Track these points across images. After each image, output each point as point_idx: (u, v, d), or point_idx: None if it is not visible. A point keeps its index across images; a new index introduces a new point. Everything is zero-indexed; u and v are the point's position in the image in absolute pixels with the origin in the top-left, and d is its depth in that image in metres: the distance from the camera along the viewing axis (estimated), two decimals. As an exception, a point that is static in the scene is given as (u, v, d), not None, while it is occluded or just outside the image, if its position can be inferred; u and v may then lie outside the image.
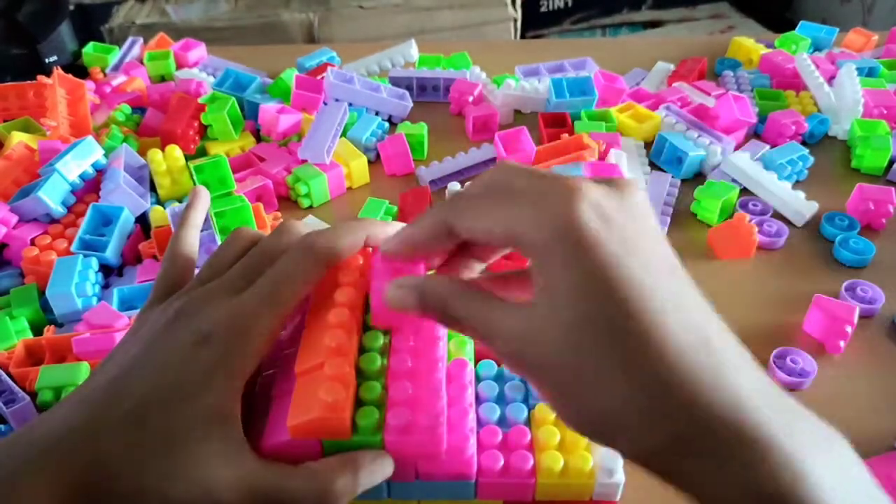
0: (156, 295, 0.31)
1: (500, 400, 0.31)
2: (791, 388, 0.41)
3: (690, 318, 0.22)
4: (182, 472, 0.24)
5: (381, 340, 0.29)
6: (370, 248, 0.30)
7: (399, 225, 0.28)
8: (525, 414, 0.31)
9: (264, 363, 0.30)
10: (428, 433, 0.26)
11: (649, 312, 0.21)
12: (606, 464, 0.29)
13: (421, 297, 0.25)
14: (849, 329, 0.43)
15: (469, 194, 0.25)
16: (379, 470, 0.26)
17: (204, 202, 0.36)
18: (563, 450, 0.29)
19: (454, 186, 0.54)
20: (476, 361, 0.33)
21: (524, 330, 0.22)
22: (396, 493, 0.29)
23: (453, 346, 0.31)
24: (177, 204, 0.51)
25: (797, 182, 0.58)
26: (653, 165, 0.59)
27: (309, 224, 0.55)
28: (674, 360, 0.21)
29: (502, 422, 0.30)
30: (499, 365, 0.33)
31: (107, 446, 0.24)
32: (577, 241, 0.21)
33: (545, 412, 0.30)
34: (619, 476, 0.29)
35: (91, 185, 0.55)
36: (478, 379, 0.32)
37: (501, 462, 0.28)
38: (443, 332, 0.29)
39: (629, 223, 0.23)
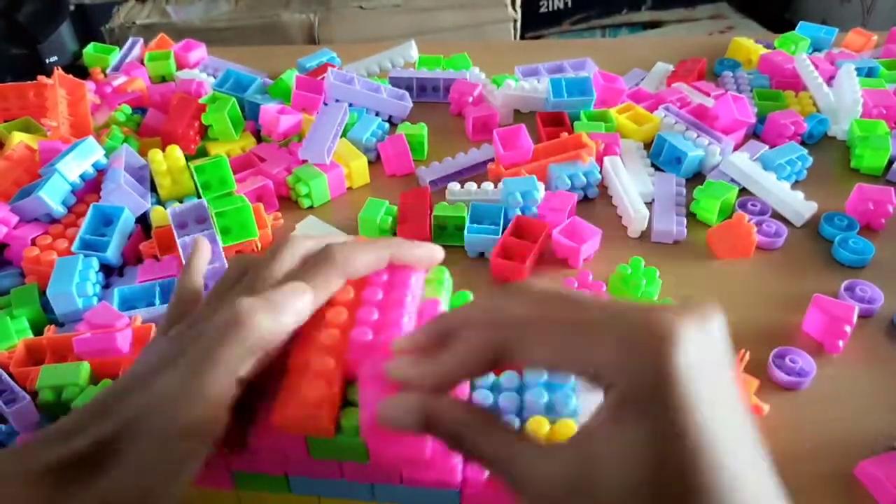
0: (162, 330, 0.31)
1: (493, 404, 0.30)
2: (790, 388, 0.41)
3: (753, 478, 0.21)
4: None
5: None
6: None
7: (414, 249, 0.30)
8: (516, 426, 0.29)
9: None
10: (412, 439, 0.25)
11: (716, 490, 0.19)
12: None
13: (426, 421, 0.23)
14: (848, 329, 0.43)
15: (532, 320, 0.22)
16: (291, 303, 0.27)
17: (205, 252, 0.35)
18: None
19: (454, 186, 0.55)
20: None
21: (571, 478, 0.20)
22: (381, 496, 0.29)
23: None
24: (177, 204, 0.51)
25: (796, 182, 0.59)
26: (652, 165, 0.60)
27: (309, 224, 0.55)
28: None
29: None
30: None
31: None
32: (667, 394, 0.20)
33: (538, 425, 0.29)
34: None
35: (91, 186, 0.55)
36: (472, 387, 0.31)
37: (485, 474, 0.28)
38: None
39: (717, 372, 0.21)
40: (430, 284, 0.33)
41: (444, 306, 0.32)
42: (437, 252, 0.32)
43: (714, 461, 0.20)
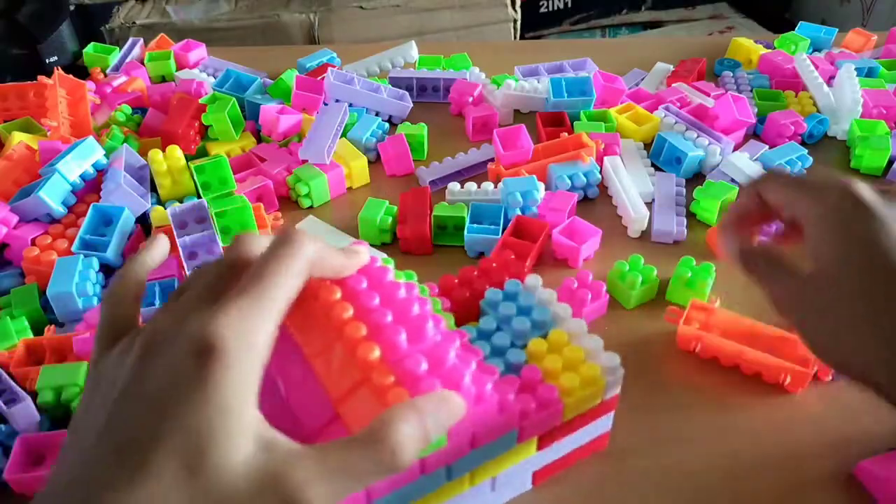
0: (101, 346, 0.26)
1: (496, 353, 0.33)
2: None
3: None
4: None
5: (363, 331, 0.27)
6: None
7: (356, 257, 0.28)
8: (524, 356, 0.32)
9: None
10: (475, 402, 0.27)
11: None
12: (607, 363, 0.32)
13: (743, 252, 0.35)
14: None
15: (778, 177, 0.34)
16: (446, 409, 0.25)
17: (160, 249, 0.31)
18: (570, 369, 0.32)
19: (454, 186, 0.55)
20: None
21: (797, 288, 0.31)
22: (456, 472, 0.30)
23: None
24: (177, 204, 0.51)
25: (796, 182, 0.59)
26: (652, 165, 0.60)
27: (309, 224, 0.55)
28: None
29: (510, 370, 0.32)
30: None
31: None
32: (853, 232, 0.29)
33: (538, 346, 0.32)
34: (620, 369, 0.32)
35: (92, 186, 0.55)
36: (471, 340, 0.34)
37: (534, 402, 0.30)
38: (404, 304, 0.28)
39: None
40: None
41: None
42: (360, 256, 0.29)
43: None
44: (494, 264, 0.39)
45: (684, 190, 0.56)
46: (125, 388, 0.23)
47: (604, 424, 0.35)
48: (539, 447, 0.33)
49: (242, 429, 0.22)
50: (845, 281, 0.29)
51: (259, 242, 0.27)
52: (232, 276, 0.26)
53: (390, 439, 0.23)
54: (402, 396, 0.25)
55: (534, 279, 0.36)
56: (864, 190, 0.30)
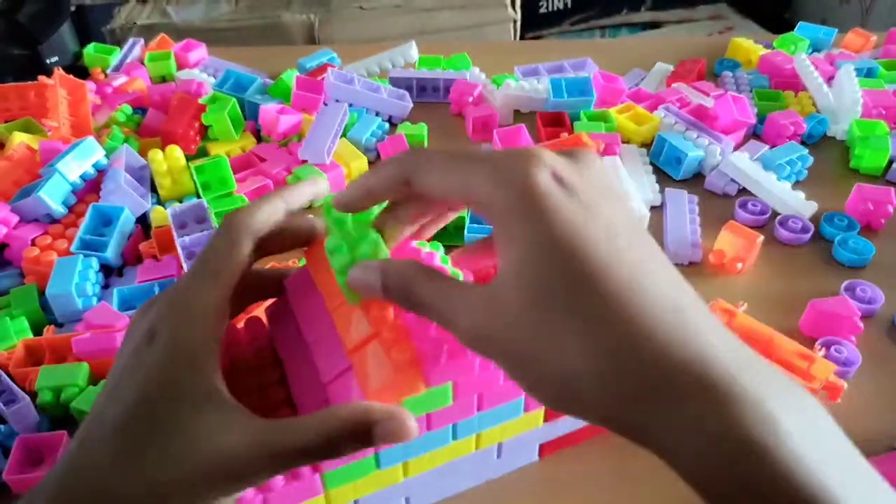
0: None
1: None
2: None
3: (657, 281, 0.22)
4: (186, 454, 0.23)
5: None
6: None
7: (302, 186, 0.30)
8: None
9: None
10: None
11: (612, 273, 0.21)
12: None
13: (384, 279, 0.25)
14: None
15: (430, 152, 0.25)
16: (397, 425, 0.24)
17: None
18: None
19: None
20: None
21: (485, 302, 0.22)
22: (462, 433, 0.31)
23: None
24: (177, 204, 0.51)
25: (796, 182, 0.59)
26: (652, 164, 0.59)
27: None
28: (637, 316, 0.20)
29: None
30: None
31: (100, 461, 0.24)
32: (534, 204, 0.21)
33: None
34: None
35: (92, 186, 0.55)
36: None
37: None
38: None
39: (588, 189, 0.23)
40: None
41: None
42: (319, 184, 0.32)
43: (599, 256, 0.21)
44: None
45: (697, 208, 0.54)
46: (115, 364, 0.27)
47: None
48: (546, 419, 0.34)
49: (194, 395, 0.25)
50: (533, 282, 0.21)
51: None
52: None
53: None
54: (409, 351, 0.26)
55: None
56: (558, 162, 0.23)
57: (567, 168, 0.23)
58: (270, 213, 0.29)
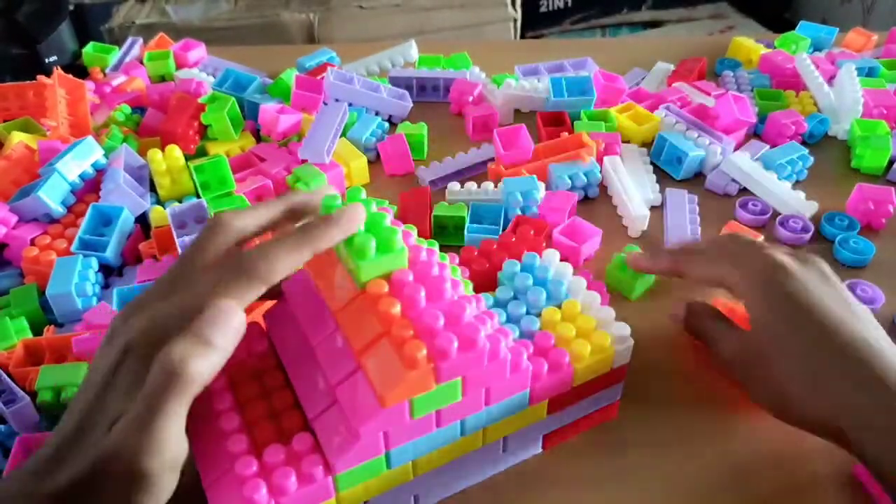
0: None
1: (511, 320, 0.35)
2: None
3: (878, 336, 0.33)
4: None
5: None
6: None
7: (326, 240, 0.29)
8: (538, 323, 0.34)
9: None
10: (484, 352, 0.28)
11: (849, 335, 0.32)
12: (617, 332, 0.34)
13: (689, 311, 0.40)
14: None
15: (699, 250, 0.39)
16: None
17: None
18: (582, 336, 0.34)
19: (454, 186, 0.55)
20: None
21: (741, 343, 0.36)
22: (470, 428, 0.31)
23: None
24: (177, 204, 0.51)
25: (797, 182, 0.58)
26: (652, 164, 0.59)
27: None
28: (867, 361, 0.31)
29: (524, 335, 0.34)
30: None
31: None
32: (778, 290, 0.34)
33: (551, 315, 0.34)
34: (630, 340, 0.34)
35: (91, 185, 0.55)
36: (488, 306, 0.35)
37: (546, 365, 0.32)
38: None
39: (819, 284, 0.35)
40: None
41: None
42: (356, 215, 0.31)
43: (841, 323, 0.33)
44: (514, 238, 0.41)
45: (697, 207, 0.54)
46: (99, 393, 0.27)
47: (613, 394, 0.37)
48: (549, 411, 0.34)
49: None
50: (780, 337, 0.34)
51: (230, 231, 0.31)
52: (197, 272, 0.29)
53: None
54: (419, 348, 0.26)
55: (551, 253, 0.38)
56: (780, 255, 0.35)
57: (799, 267, 0.35)
58: (294, 269, 0.29)
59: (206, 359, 0.26)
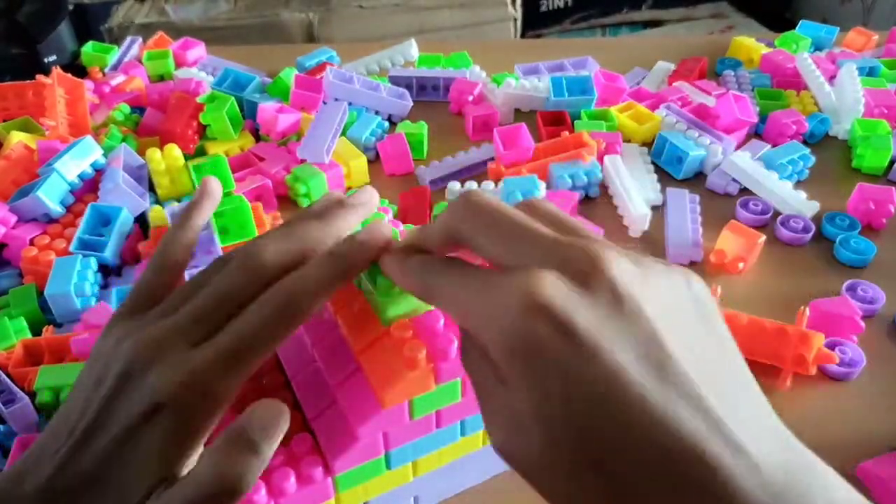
0: (127, 307, 0.28)
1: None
2: (839, 379, 0.42)
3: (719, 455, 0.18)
4: None
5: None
6: None
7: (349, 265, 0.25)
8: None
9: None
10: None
11: (662, 452, 0.18)
12: None
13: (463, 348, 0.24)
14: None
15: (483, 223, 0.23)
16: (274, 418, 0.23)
17: (212, 200, 0.31)
18: None
19: (454, 186, 0.54)
20: None
21: (503, 406, 0.21)
22: (470, 429, 0.31)
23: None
24: (176, 203, 0.50)
25: (798, 182, 0.58)
26: (652, 164, 0.59)
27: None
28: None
29: None
30: None
31: None
32: (530, 362, 0.19)
33: None
34: None
35: (90, 185, 0.55)
36: None
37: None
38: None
39: (604, 321, 0.19)
40: None
41: None
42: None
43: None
44: None
45: (698, 207, 0.54)
46: (93, 418, 0.24)
47: None
48: None
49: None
50: (552, 463, 0.20)
51: (262, 267, 0.26)
52: (226, 308, 0.25)
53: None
54: (419, 349, 0.26)
55: None
56: (558, 291, 0.19)
57: (574, 296, 0.20)
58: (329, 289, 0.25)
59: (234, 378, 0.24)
